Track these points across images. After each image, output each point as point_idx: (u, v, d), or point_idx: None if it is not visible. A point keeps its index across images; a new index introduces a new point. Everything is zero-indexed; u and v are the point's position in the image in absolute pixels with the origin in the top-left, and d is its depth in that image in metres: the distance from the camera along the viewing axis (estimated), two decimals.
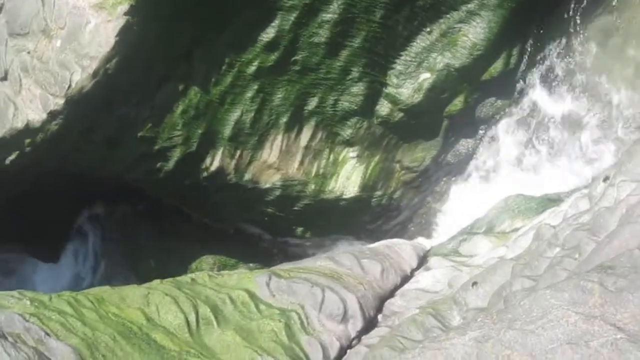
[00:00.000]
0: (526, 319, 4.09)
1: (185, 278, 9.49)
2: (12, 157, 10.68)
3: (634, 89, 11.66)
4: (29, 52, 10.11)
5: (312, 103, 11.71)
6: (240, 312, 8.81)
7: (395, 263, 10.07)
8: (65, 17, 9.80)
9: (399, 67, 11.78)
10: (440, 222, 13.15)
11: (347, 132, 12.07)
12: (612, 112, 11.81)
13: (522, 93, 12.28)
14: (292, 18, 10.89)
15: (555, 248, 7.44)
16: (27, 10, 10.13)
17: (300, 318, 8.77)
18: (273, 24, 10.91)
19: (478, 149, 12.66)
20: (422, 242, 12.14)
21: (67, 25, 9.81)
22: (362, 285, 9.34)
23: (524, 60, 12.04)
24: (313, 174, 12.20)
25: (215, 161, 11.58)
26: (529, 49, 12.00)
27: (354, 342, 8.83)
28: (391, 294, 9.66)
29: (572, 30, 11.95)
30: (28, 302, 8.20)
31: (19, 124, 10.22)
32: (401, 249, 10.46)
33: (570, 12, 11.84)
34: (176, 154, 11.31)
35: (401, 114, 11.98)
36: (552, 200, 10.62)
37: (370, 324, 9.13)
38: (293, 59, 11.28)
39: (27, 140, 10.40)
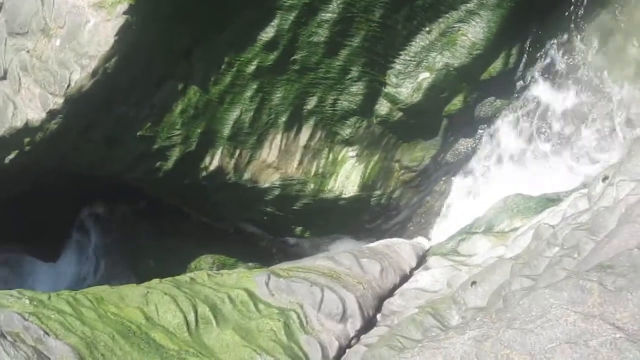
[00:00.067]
0: (525, 318, 4.09)
1: (184, 277, 9.49)
2: (12, 156, 10.67)
3: (634, 87, 11.67)
4: (28, 51, 10.11)
5: (312, 102, 11.71)
6: (239, 312, 8.82)
7: (395, 262, 10.07)
8: (65, 16, 9.80)
9: (398, 67, 11.78)
10: (440, 221, 13.17)
11: (346, 132, 12.07)
12: (613, 111, 11.82)
13: (521, 92, 12.28)
14: (292, 17, 10.89)
15: (555, 247, 7.44)
16: (27, 9, 10.13)
17: (299, 317, 8.77)
18: (272, 24, 10.91)
19: (478, 148, 12.67)
20: (421, 241, 12.15)
21: (67, 25, 9.81)
22: (361, 284, 9.34)
23: (524, 59, 12.04)
24: (312, 174, 12.20)
25: (214, 160, 11.58)
26: (528, 49, 12.00)
27: (353, 342, 8.83)
28: (390, 293, 9.66)
29: (571, 29, 11.95)
30: (27, 301, 8.20)
31: (19, 123, 10.21)
32: (400, 249, 10.46)
33: (570, 11, 11.84)
34: (175, 154, 11.30)
35: (400, 114, 11.98)
36: (551, 200, 10.62)
37: (369, 324, 9.13)
38: (292, 58, 11.27)
39: (27, 140, 10.39)
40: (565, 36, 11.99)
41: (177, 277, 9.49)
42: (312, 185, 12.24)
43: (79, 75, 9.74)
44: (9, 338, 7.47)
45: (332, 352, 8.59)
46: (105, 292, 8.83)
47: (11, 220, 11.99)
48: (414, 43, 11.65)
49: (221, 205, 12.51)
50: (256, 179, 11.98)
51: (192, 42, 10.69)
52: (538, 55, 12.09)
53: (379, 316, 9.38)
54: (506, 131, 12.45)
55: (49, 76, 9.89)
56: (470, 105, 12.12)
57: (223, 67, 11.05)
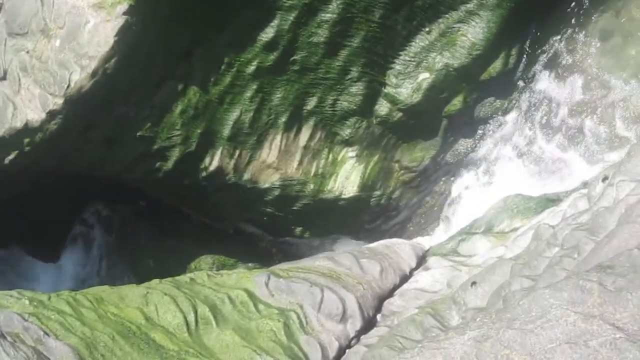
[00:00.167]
0: (525, 318, 4.09)
1: (184, 278, 9.49)
2: (11, 156, 10.67)
3: (635, 87, 11.67)
4: (28, 52, 10.10)
5: (311, 103, 11.71)
6: (239, 312, 8.82)
7: (394, 263, 10.07)
8: (65, 16, 9.80)
9: (398, 67, 11.79)
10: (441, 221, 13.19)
11: (346, 132, 12.07)
12: (613, 111, 11.82)
13: (521, 92, 12.29)
14: (291, 18, 10.89)
15: (554, 248, 7.44)
16: (26, 9, 10.12)
17: (299, 318, 8.77)
18: (272, 24, 10.91)
19: (478, 147, 12.67)
20: (421, 241, 12.15)
21: (66, 25, 9.80)
22: (361, 285, 9.34)
23: (523, 60, 12.05)
24: (312, 174, 12.20)
25: (214, 161, 11.58)
26: (528, 49, 12.01)
27: (352, 342, 8.83)
28: (390, 293, 9.66)
29: (571, 29, 11.96)
30: (27, 302, 8.20)
31: (18, 124, 10.21)
32: (400, 249, 10.46)
33: (570, 11, 11.84)
34: (175, 154, 11.30)
35: (400, 114, 11.99)
36: (551, 200, 10.62)
37: (369, 324, 9.13)
38: (292, 58, 11.28)
39: (26, 140, 10.39)
40: (565, 36, 11.99)
41: (177, 278, 9.49)
42: (311, 186, 12.24)
43: (78, 76, 9.74)
44: (8, 338, 7.46)
45: (332, 353, 8.59)
46: (105, 293, 8.83)
47: (11, 220, 11.99)
48: (413, 43, 11.66)
49: (221, 205, 12.51)
50: (256, 179, 11.99)
51: (191, 42, 10.69)
52: (538, 55, 12.10)
53: (378, 316, 9.38)
54: (507, 130, 12.45)
55: (49, 77, 9.89)
56: (470, 105, 12.12)
57: (223, 67, 11.05)
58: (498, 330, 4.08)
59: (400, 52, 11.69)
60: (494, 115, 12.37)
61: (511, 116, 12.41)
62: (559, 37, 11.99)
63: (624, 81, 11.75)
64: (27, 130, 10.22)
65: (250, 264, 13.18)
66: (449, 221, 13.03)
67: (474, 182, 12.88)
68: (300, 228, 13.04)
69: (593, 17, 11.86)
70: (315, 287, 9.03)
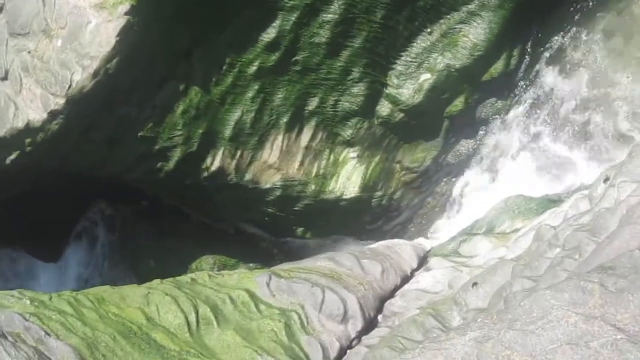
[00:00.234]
0: (526, 319, 4.09)
1: (185, 278, 9.50)
2: (13, 156, 10.67)
3: (636, 86, 11.67)
4: (29, 52, 10.11)
5: (313, 103, 11.72)
6: (240, 312, 8.82)
7: (396, 263, 10.07)
8: (66, 16, 9.80)
9: (399, 68, 11.78)
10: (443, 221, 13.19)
11: (347, 133, 12.07)
12: (615, 110, 11.82)
13: (522, 93, 12.28)
14: (293, 18, 10.89)
15: (556, 249, 7.44)
16: (28, 10, 10.13)
17: (300, 318, 8.77)
18: (274, 24, 10.91)
19: (479, 148, 12.68)
20: (423, 242, 12.14)
21: (68, 25, 9.81)
22: (362, 285, 9.34)
23: (525, 60, 12.04)
24: (313, 174, 12.20)
25: (215, 161, 11.58)
26: (529, 49, 12.00)
27: (354, 343, 8.83)
28: (391, 294, 9.66)
29: (572, 29, 11.95)
30: (28, 302, 8.21)
31: (20, 124, 10.21)
32: (401, 250, 10.46)
33: (571, 11, 11.84)
34: (177, 154, 11.31)
35: (402, 115, 11.98)
36: (552, 201, 10.62)
37: (370, 324, 9.13)
38: (294, 59, 11.28)
39: (28, 140, 10.39)
40: (567, 36, 11.99)
41: (178, 278, 9.49)
42: (313, 186, 12.24)
43: (80, 76, 9.74)
44: (10, 338, 7.47)
45: (333, 353, 8.59)
46: (106, 293, 8.84)
47: (11, 220, 11.99)
48: (415, 44, 11.66)
49: (222, 205, 12.51)
50: (257, 179, 11.99)
51: (193, 42, 10.69)
52: (539, 55, 12.09)
53: (380, 317, 9.38)
54: (510, 130, 12.45)
55: (50, 77, 9.90)
56: (471, 106, 12.12)
57: (224, 67, 11.05)
58: (499, 331, 4.08)
59: (402, 53, 11.69)
60: (495, 116, 12.37)
61: (512, 116, 12.40)
62: (560, 37, 11.99)
63: (626, 79, 11.75)
64: (28, 130, 10.22)
65: (251, 264, 13.18)
66: (450, 222, 13.03)
67: (475, 183, 12.88)
68: (302, 228, 13.05)
69: (594, 17, 11.86)
70: (317, 287, 9.03)
